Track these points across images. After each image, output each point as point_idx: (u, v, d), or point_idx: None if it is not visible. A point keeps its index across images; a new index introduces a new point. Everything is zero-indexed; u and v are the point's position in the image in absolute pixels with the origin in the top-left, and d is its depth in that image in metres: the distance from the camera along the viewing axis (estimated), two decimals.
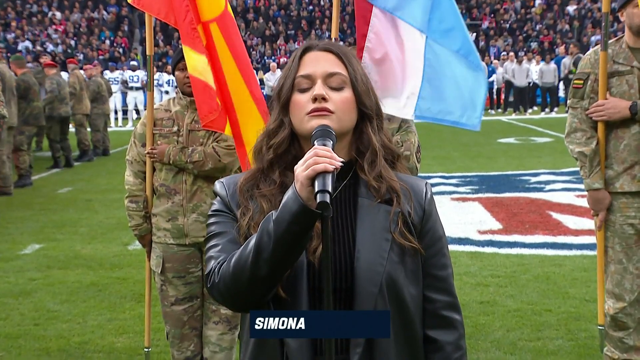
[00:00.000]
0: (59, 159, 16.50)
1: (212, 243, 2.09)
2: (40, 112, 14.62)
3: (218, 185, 2.17)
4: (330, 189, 1.83)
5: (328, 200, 1.81)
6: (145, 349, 5.14)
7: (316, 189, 1.83)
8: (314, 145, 1.94)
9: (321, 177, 1.84)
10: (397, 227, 2.05)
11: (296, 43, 36.48)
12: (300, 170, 1.87)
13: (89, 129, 18.33)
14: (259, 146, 2.14)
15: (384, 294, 2.01)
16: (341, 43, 2.31)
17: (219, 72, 4.53)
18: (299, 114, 2.07)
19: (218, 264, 2.02)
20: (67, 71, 19.94)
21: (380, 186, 2.08)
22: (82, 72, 19.08)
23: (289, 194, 1.90)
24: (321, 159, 1.86)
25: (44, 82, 16.14)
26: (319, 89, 2.05)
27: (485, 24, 38.64)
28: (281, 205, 1.90)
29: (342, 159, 1.89)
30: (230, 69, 4.53)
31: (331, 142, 1.96)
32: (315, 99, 2.05)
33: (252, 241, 1.94)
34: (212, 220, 2.13)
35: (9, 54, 33.40)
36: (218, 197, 2.16)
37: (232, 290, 1.98)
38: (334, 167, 1.86)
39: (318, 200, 1.82)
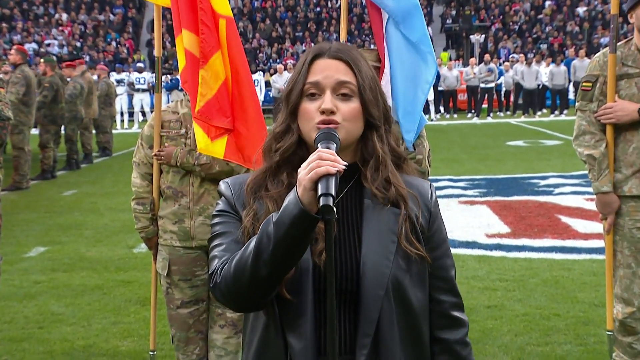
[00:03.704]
0: (74, 161, 16.59)
1: (216, 242, 2.09)
2: (64, 113, 15.13)
3: (223, 186, 2.17)
4: (333, 192, 1.81)
5: (331, 204, 1.79)
6: (150, 352, 5.12)
7: (319, 192, 1.81)
8: (317, 148, 1.92)
9: (324, 180, 1.82)
10: (403, 231, 2.05)
11: (303, 45, 36.48)
12: (303, 173, 1.86)
13: (94, 131, 18.36)
14: (268, 146, 2.14)
15: (390, 296, 2.02)
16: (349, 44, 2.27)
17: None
18: (307, 122, 2.06)
19: (221, 263, 2.02)
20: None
21: (387, 193, 2.07)
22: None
23: (290, 197, 1.89)
24: (324, 162, 1.84)
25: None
26: (327, 102, 2.04)
27: (495, 26, 38.59)
28: (282, 208, 1.89)
29: (346, 162, 1.87)
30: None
31: (335, 145, 1.94)
32: (323, 112, 2.03)
33: (253, 242, 1.94)
34: (216, 220, 2.13)
35: None
36: (223, 198, 2.15)
37: (233, 291, 1.99)
38: (337, 169, 1.84)
39: (321, 204, 1.80)
